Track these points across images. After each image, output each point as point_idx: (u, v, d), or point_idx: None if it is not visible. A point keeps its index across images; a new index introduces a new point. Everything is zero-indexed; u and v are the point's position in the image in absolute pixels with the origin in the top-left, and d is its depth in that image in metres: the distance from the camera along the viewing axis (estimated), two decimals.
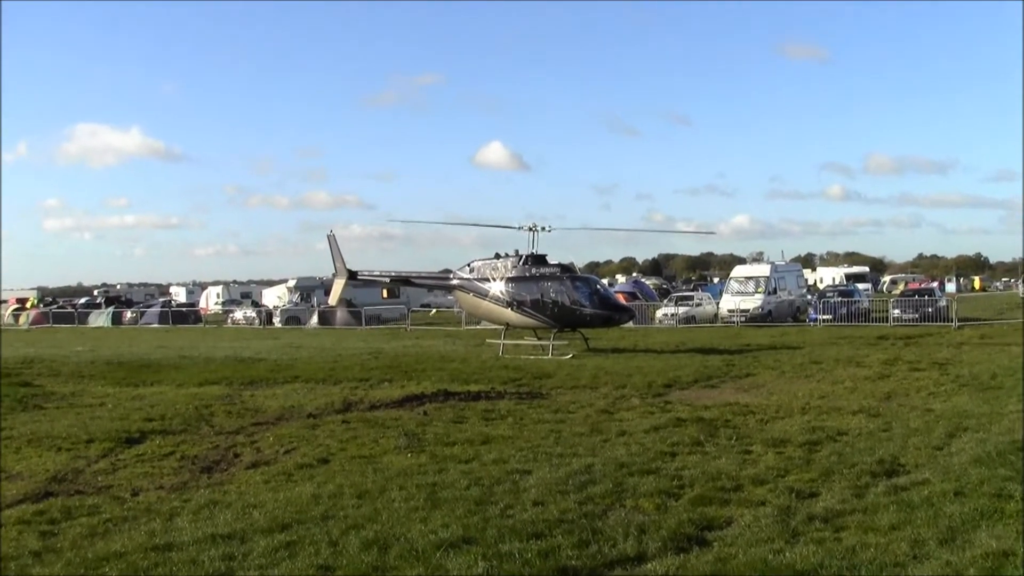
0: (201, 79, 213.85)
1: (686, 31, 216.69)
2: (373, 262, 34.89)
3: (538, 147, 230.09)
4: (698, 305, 47.80)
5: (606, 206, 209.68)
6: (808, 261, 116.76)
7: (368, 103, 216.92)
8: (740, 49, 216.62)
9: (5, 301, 77.96)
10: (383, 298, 57.95)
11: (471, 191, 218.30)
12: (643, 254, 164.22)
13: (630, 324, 36.77)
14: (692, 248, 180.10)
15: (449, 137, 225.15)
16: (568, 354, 28.10)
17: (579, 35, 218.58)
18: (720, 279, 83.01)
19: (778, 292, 46.02)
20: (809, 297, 50.86)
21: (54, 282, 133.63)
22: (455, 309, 49.11)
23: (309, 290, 64.86)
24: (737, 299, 44.65)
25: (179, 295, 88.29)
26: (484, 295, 30.69)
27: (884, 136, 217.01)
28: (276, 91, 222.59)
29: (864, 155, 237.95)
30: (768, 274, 46.42)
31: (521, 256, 30.50)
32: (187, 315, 62.49)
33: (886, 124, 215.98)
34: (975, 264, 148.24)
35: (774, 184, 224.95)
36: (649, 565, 7.45)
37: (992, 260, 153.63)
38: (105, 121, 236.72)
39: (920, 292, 48.48)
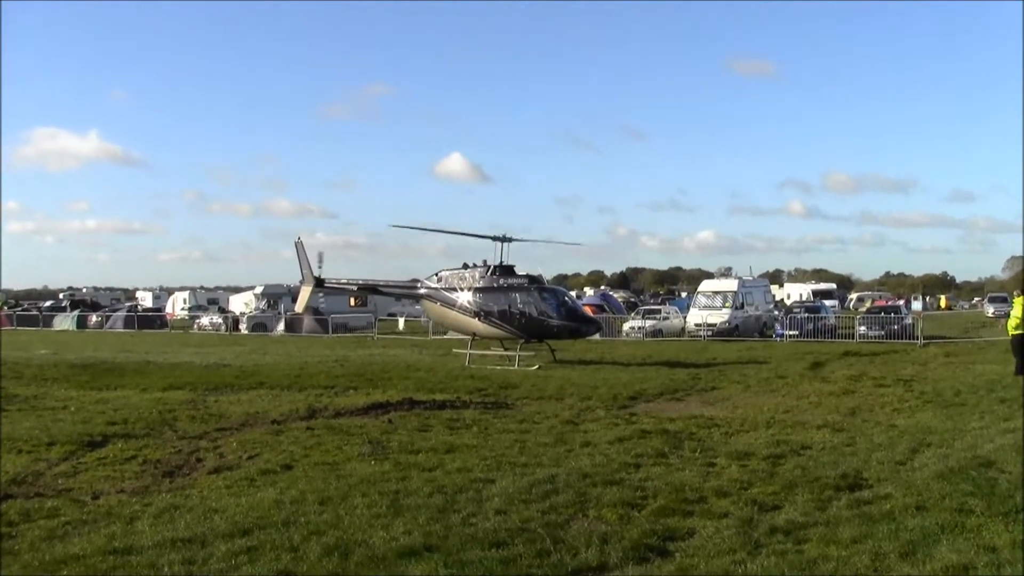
0: (157, 85, 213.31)
1: (635, 46, 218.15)
2: (337, 270, 34.70)
3: (498, 159, 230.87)
4: (665, 319, 47.98)
5: (569, 218, 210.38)
6: (776, 277, 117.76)
7: (321, 113, 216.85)
8: (689, 64, 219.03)
9: None
10: (350, 306, 57.72)
11: (432, 201, 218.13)
12: (611, 267, 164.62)
13: (597, 336, 36.92)
14: (660, 262, 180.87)
15: (406, 147, 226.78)
16: (534, 365, 28.11)
17: (529, 48, 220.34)
18: (688, 293, 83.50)
19: (745, 307, 46.24)
20: (776, 312, 51.17)
21: (18, 285, 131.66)
22: (422, 319, 49.01)
23: (276, 297, 64.39)
24: (704, 313, 44.83)
25: (145, 300, 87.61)
26: (452, 305, 30.67)
27: (841, 154, 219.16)
28: (230, 98, 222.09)
29: (822, 172, 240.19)
30: (736, 289, 46.65)
31: (489, 267, 30.50)
32: (153, 320, 61.81)
33: (842, 142, 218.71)
34: (941, 283, 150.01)
35: (735, 200, 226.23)
36: (611, 575, 7.45)
37: (958, 280, 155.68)
38: (63, 125, 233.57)
39: (886, 309, 48.86)
